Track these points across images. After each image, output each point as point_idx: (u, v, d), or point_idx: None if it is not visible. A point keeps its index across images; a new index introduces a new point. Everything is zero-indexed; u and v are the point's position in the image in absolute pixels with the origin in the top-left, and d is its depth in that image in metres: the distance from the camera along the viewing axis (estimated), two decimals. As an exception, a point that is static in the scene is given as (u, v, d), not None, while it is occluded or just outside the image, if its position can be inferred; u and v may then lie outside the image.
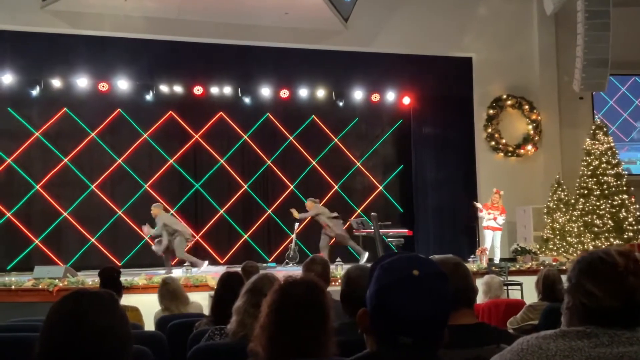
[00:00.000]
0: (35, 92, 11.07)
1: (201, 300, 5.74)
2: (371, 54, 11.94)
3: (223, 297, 3.33)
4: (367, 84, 12.34)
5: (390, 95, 12.58)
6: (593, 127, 11.52)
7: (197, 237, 11.70)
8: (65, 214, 11.16)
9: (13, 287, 7.55)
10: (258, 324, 1.85)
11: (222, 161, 12.09)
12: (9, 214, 10.89)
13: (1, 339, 3.32)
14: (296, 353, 1.74)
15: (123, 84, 11.30)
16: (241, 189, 12.17)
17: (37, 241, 10.95)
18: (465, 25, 12.42)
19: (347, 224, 11.53)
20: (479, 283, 5.11)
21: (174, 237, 9.55)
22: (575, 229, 10.86)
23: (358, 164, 12.75)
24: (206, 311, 4.95)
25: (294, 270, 8.61)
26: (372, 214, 10.68)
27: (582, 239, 10.80)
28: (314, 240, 10.88)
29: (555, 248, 10.81)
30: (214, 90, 11.83)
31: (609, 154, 11.14)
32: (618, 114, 13.45)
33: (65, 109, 11.32)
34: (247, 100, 12.08)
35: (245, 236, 12.08)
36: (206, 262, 10.01)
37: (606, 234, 10.75)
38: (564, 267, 8.55)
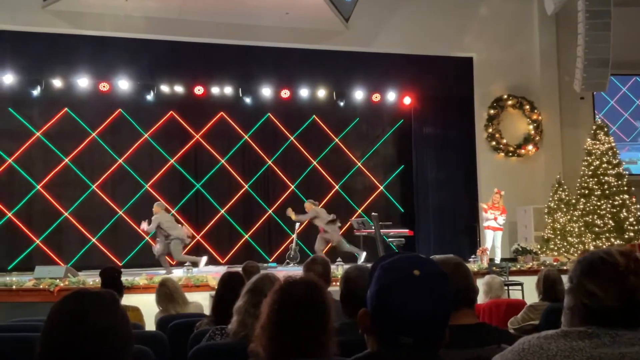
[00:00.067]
0: (36, 92, 11.07)
1: (202, 300, 5.74)
2: (372, 54, 11.94)
3: (224, 297, 3.33)
4: (368, 84, 12.34)
5: (391, 95, 12.58)
6: (594, 127, 11.51)
7: (198, 237, 11.72)
8: (66, 214, 11.16)
9: (14, 287, 7.56)
10: (259, 324, 1.85)
11: (222, 161, 12.09)
12: (9, 214, 10.89)
13: (2, 339, 3.32)
14: (297, 353, 1.74)
15: (124, 84, 11.30)
16: (242, 189, 12.18)
17: (38, 241, 10.96)
18: (466, 25, 12.42)
19: (348, 224, 11.54)
20: (480, 283, 5.11)
21: (169, 241, 9.56)
22: (576, 229, 10.85)
23: (359, 164, 12.75)
24: (207, 311, 4.94)
25: (295, 270, 8.61)
26: (373, 214, 10.67)
27: (583, 239, 10.79)
28: (315, 241, 10.87)
29: (556, 248, 10.80)
30: (215, 90, 11.83)
31: (610, 154, 11.13)
32: (619, 114, 13.45)
33: (66, 109, 11.33)
34: (247, 100, 12.08)
35: (246, 236, 12.08)
36: (204, 258, 10.02)
37: (607, 234, 10.74)
38: (565, 267, 8.55)
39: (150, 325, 4.72)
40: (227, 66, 11.66)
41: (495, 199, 10.88)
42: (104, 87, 11.29)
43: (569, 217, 10.91)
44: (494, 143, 12.41)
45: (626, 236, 10.68)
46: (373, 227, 10.50)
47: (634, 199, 11.01)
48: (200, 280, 7.97)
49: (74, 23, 10.71)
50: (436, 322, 1.39)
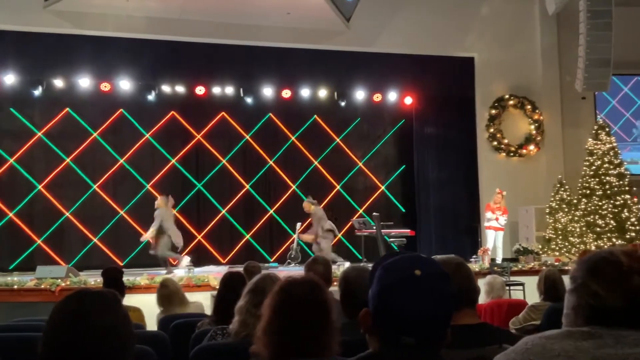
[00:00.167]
0: (37, 92, 11.08)
1: (203, 300, 5.74)
2: (373, 54, 11.94)
3: (225, 297, 3.33)
4: (369, 84, 12.34)
5: (392, 95, 12.58)
6: (595, 127, 11.50)
7: (199, 237, 11.72)
8: (67, 214, 11.17)
9: (15, 287, 7.58)
10: (260, 324, 1.85)
11: (224, 161, 12.09)
12: (11, 214, 10.91)
13: (4, 338, 3.33)
14: (298, 353, 1.73)
15: (125, 84, 11.31)
16: (243, 189, 12.18)
17: (39, 241, 10.97)
18: (467, 25, 12.41)
19: (349, 224, 11.54)
20: (481, 283, 5.10)
21: (163, 236, 9.53)
22: (578, 229, 10.85)
23: (360, 164, 12.75)
24: (208, 311, 4.95)
25: (296, 270, 8.60)
26: (374, 214, 10.68)
27: (585, 239, 10.79)
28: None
29: (557, 248, 10.79)
30: (216, 90, 11.83)
31: (611, 154, 11.12)
32: (620, 114, 13.43)
33: (67, 109, 11.34)
34: (249, 100, 12.09)
35: (247, 236, 12.08)
36: (187, 258, 9.86)
37: (608, 234, 10.73)
38: (566, 267, 8.54)
39: (151, 325, 4.72)
40: (228, 66, 11.66)
41: (496, 199, 10.87)
42: (105, 87, 11.30)
43: (570, 217, 10.90)
44: (495, 143, 12.40)
45: (628, 236, 10.67)
46: (374, 227, 10.50)
47: (635, 199, 11.00)
48: (202, 280, 7.98)
49: (75, 23, 10.72)
50: (437, 322, 1.39)
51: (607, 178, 10.96)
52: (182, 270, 8.94)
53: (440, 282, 1.41)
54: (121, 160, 11.57)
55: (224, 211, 12.00)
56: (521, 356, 1.27)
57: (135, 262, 10.89)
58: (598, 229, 10.82)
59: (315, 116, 12.48)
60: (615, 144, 11.27)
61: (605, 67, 10.49)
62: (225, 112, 12.10)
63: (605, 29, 10.24)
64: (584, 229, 10.89)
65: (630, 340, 1.22)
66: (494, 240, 10.87)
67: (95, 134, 11.46)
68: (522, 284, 8.39)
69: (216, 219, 11.97)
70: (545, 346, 1.26)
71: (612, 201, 10.87)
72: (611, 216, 10.81)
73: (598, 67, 10.48)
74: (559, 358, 1.23)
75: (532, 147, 12.44)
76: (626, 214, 10.82)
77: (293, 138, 12.40)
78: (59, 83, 11.13)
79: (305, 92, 12.19)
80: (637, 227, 10.77)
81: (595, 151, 11.18)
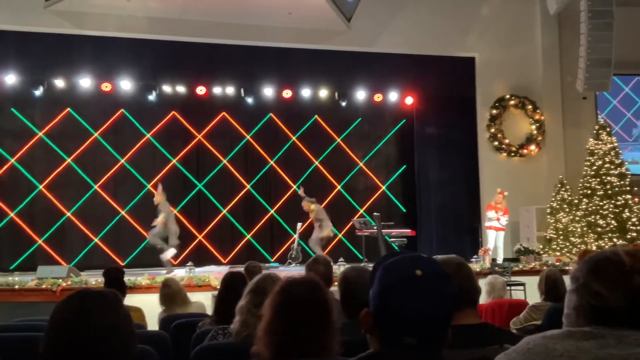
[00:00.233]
0: (38, 92, 11.08)
1: (204, 300, 5.75)
2: (374, 54, 11.94)
3: (226, 297, 3.33)
4: (370, 84, 12.33)
5: (393, 95, 12.57)
6: (596, 127, 11.50)
7: (200, 237, 11.73)
8: (68, 214, 11.18)
9: (16, 286, 7.59)
10: (260, 324, 1.85)
11: (224, 161, 12.10)
12: (12, 214, 10.91)
13: (5, 338, 3.33)
14: (298, 353, 1.73)
15: (126, 84, 11.31)
16: (244, 189, 12.18)
17: (40, 241, 10.97)
18: (468, 25, 12.41)
19: (350, 223, 11.54)
20: (482, 283, 5.10)
21: (163, 228, 9.51)
22: (579, 229, 10.84)
23: (361, 164, 12.75)
24: (209, 311, 4.95)
25: (297, 270, 8.61)
26: (375, 214, 10.67)
27: (586, 239, 10.78)
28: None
29: (558, 248, 10.79)
30: (217, 90, 11.83)
31: (612, 154, 11.11)
32: (621, 114, 13.42)
33: (68, 109, 11.34)
34: (249, 100, 12.09)
35: (248, 236, 12.08)
36: (172, 250, 9.71)
37: (609, 234, 10.73)
38: (567, 268, 8.53)
39: (152, 325, 4.72)
40: (229, 66, 11.66)
41: (498, 199, 10.86)
42: (106, 87, 11.30)
43: (571, 217, 10.90)
44: (496, 143, 12.40)
45: (629, 236, 10.67)
46: (375, 227, 10.50)
47: (636, 199, 10.99)
48: (203, 280, 7.99)
49: (76, 23, 10.72)
50: (438, 322, 1.38)
51: (608, 178, 10.96)
52: (183, 270, 8.93)
53: (441, 282, 1.40)
54: (122, 160, 11.57)
55: (224, 211, 12.00)
56: (523, 356, 1.27)
57: (136, 262, 10.90)
58: (599, 229, 10.82)
59: (316, 116, 12.48)
60: (616, 144, 11.26)
61: (606, 67, 10.49)
62: (226, 112, 12.10)
63: (606, 29, 10.24)
64: (585, 229, 10.88)
65: (632, 340, 1.22)
66: (494, 240, 10.87)
67: (96, 134, 11.46)
68: (523, 284, 8.39)
69: (217, 219, 11.97)
70: (547, 346, 1.25)
71: (613, 201, 10.87)
72: (612, 216, 10.80)
73: (599, 67, 10.48)
74: (561, 358, 1.23)
75: (533, 147, 12.44)
76: (627, 214, 10.81)
77: (294, 138, 12.40)
78: (59, 83, 11.13)
79: (306, 92, 12.19)
80: (638, 227, 10.76)
81: (596, 151, 11.17)
